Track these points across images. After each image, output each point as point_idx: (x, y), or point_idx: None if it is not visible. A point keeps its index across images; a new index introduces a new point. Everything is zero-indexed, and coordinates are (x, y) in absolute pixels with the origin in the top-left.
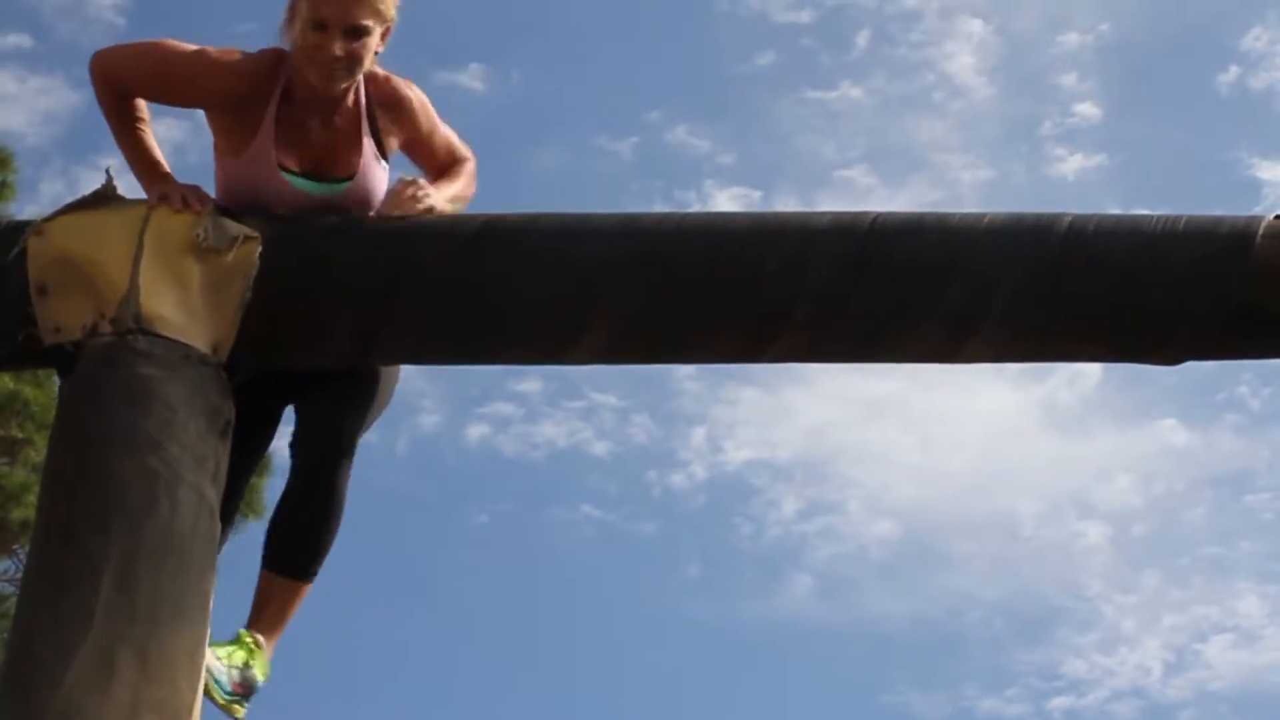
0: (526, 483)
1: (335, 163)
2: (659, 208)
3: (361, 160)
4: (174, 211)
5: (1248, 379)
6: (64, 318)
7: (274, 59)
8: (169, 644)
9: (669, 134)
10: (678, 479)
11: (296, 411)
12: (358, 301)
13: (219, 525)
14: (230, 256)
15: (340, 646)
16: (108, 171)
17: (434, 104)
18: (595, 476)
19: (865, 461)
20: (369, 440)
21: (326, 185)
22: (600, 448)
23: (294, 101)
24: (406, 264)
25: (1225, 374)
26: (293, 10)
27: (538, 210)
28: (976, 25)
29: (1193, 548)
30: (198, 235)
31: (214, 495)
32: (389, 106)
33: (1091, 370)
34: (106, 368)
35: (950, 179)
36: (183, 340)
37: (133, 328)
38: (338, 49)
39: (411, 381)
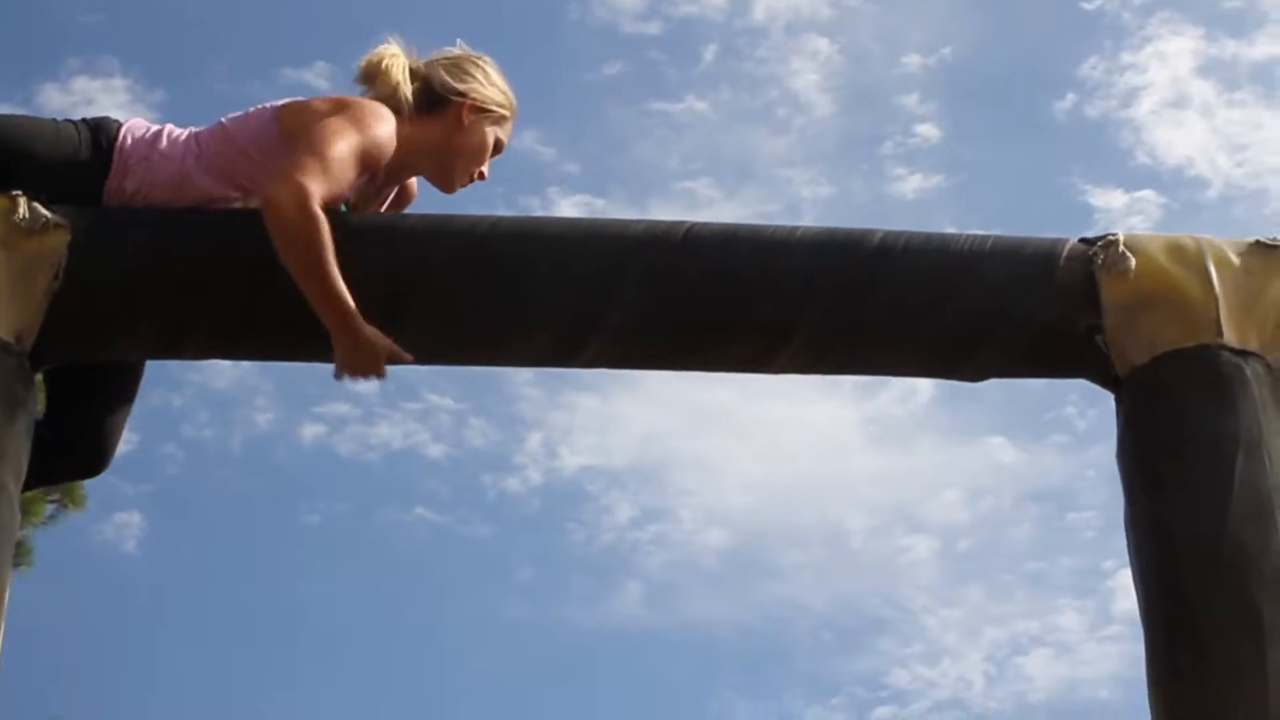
0: (361, 483)
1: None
2: (501, 213)
3: None
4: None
5: (1075, 400)
6: None
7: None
8: None
9: (514, 140)
10: (513, 483)
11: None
12: (169, 293)
13: (18, 514)
14: (38, 244)
15: (170, 644)
16: None
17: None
18: (430, 479)
19: (699, 470)
20: (203, 436)
21: None
22: (436, 450)
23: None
24: (222, 256)
25: (1053, 394)
26: (479, 112)
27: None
28: (822, 44)
29: (1016, 563)
30: (19, 217)
31: (13, 485)
32: (400, 203)
33: (923, 387)
34: None
35: (791, 194)
36: None
37: None
38: (486, 170)
39: (247, 379)
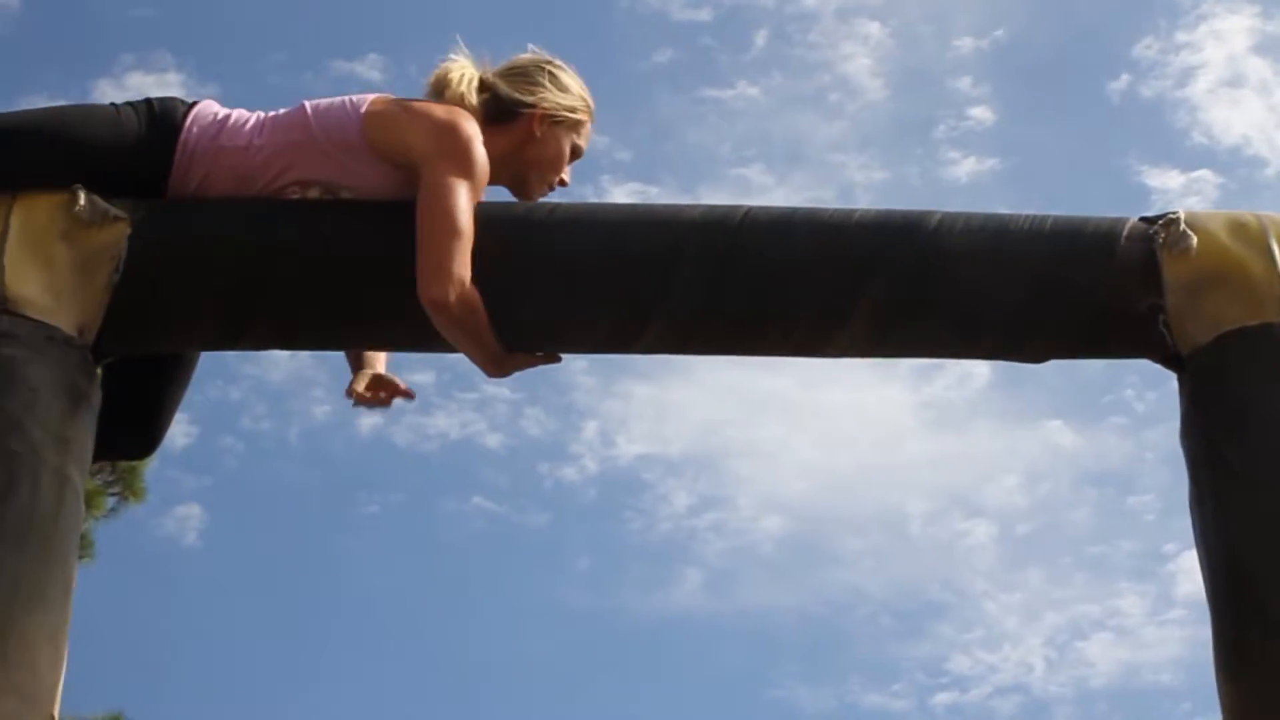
0: (418, 474)
1: None
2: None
3: None
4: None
5: (1133, 382)
6: None
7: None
8: (29, 627)
9: None
10: (569, 472)
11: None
12: (229, 285)
13: (83, 507)
14: (98, 238)
15: (231, 635)
16: None
17: (332, 93)
18: (487, 469)
19: (756, 457)
20: (261, 428)
21: None
22: (493, 440)
23: None
24: (281, 247)
25: (1112, 377)
26: (552, 121)
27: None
28: (873, 27)
29: (1076, 547)
30: (79, 209)
31: (78, 478)
32: None
33: (980, 371)
34: None
35: (844, 179)
36: (48, 322)
37: None
38: (567, 176)
39: (303, 370)
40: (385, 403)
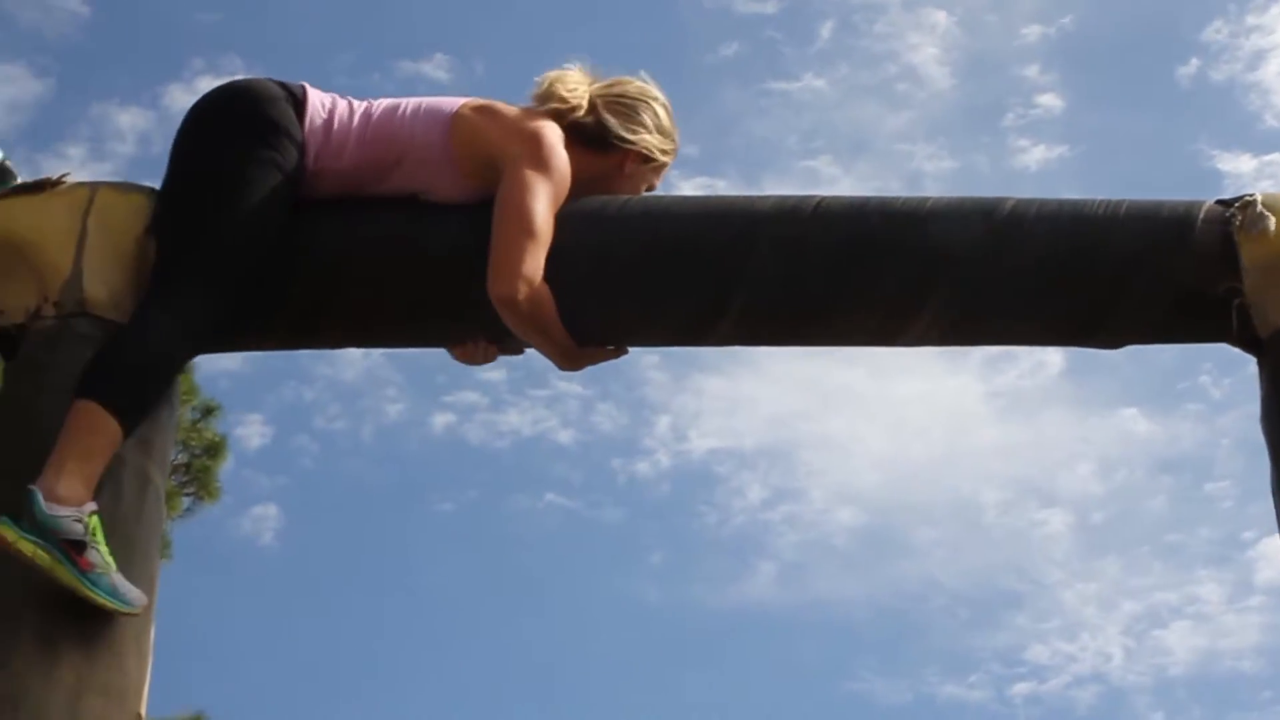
0: (491, 471)
1: None
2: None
3: None
4: None
5: (1209, 368)
6: (7, 300)
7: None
8: (115, 626)
9: None
10: (642, 467)
11: None
12: (302, 284)
13: (164, 508)
14: None
15: (304, 632)
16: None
17: (399, 94)
18: (560, 465)
19: (829, 449)
20: (335, 428)
21: None
22: (565, 436)
23: None
24: (355, 245)
25: (1187, 363)
26: (644, 161)
27: None
28: (940, 16)
29: (1152, 535)
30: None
31: (159, 478)
32: None
33: (1053, 360)
34: (49, 351)
35: (913, 168)
36: (125, 323)
37: (75, 311)
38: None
39: (376, 370)
40: (490, 358)
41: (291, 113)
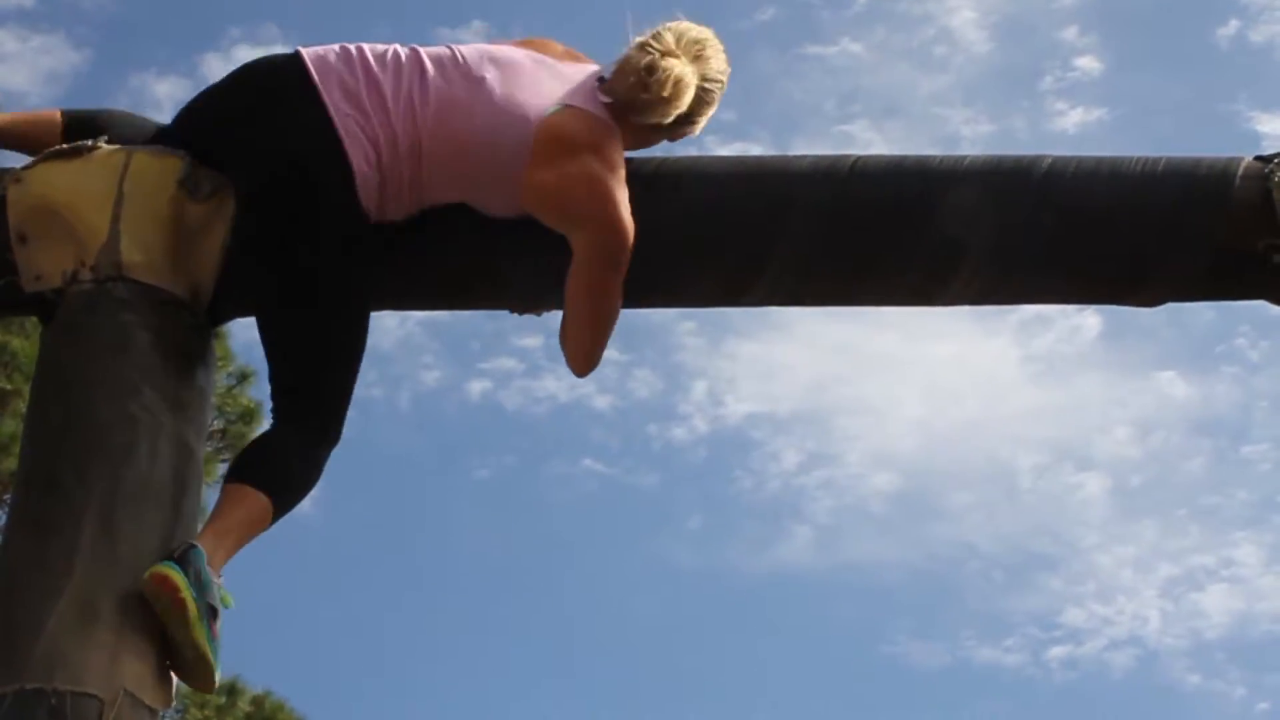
0: (528, 437)
1: None
2: (661, 155)
3: None
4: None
5: (1246, 330)
6: (44, 265)
7: None
8: None
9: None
10: (679, 432)
11: None
12: None
13: (201, 471)
14: (212, 203)
15: (343, 600)
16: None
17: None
18: (597, 430)
19: (865, 414)
20: (372, 395)
21: None
22: (602, 402)
23: None
24: None
25: (1224, 326)
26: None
27: None
28: None
29: (1189, 498)
30: (182, 184)
31: (195, 442)
32: None
33: (1091, 323)
34: (87, 315)
35: (950, 132)
36: (163, 286)
37: (113, 275)
38: None
39: (412, 338)
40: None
41: (351, 197)
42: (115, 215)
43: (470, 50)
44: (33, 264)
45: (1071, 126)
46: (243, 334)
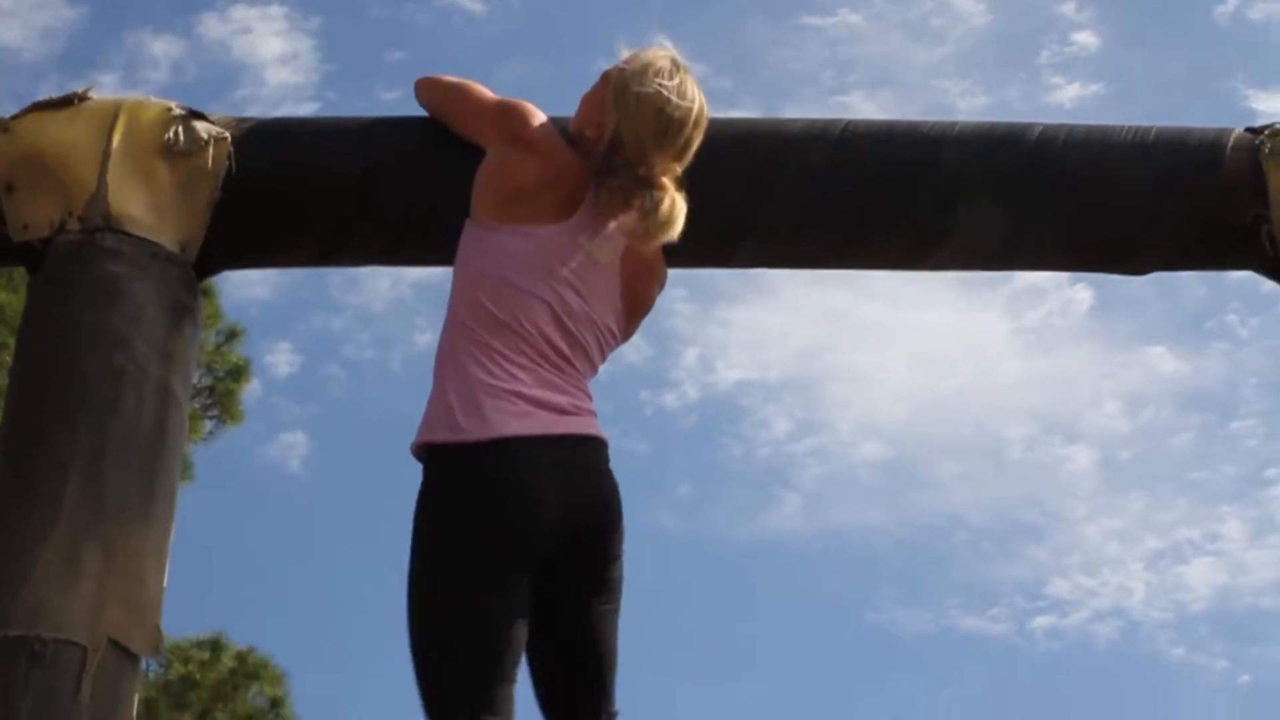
0: None
1: None
2: None
3: None
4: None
5: (1236, 307)
6: (32, 215)
7: None
8: (135, 539)
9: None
10: (670, 399)
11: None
12: (329, 202)
13: (186, 422)
14: (200, 156)
15: (329, 559)
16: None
17: (433, 28)
18: None
19: (855, 383)
20: (364, 357)
21: None
22: None
23: None
24: (380, 164)
25: (1214, 302)
26: None
27: None
28: None
29: (1177, 472)
30: (169, 139)
31: (182, 393)
32: None
33: (1082, 297)
34: (74, 265)
35: (947, 105)
36: (151, 239)
37: (101, 225)
38: None
39: (404, 299)
40: None
41: None
42: (104, 166)
43: None
44: (20, 214)
45: (1068, 101)
46: (233, 292)
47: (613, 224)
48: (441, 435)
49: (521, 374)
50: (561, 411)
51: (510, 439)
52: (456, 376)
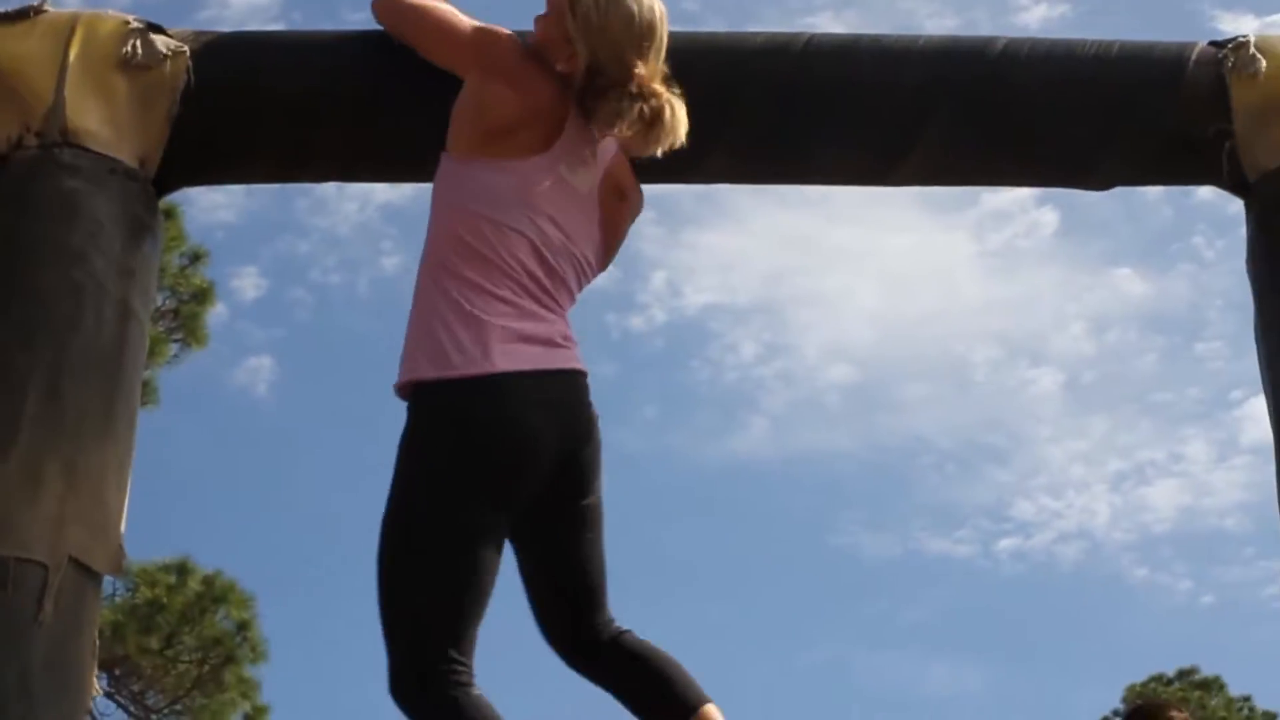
0: None
1: None
2: None
3: None
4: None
5: (1203, 229)
6: None
7: None
8: (95, 457)
9: None
10: (637, 322)
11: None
12: (288, 116)
13: (146, 338)
14: (158, 71)
15: (296, 482)
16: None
17: None
18: None
19: (823, 306)
20: (331, 281)
21: None
22: None
23: None
24: (339, 79)
25: (1180, 224)
26: None
27: None
28: None
29: (1141, 394)
30: (127, 52)
31: (141, 310)
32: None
33: (1049, 219)
34: (31, 181)
35: (914, 25)
36: (109, 154)
37: (58, 140)
38: None
39: (371, 223)
40: None
41: None
42: (60, 80)
43: None
44: None
45: (1034, 21)
46: (198, 216)
47: (590, 151)
48: (428, 372)
49: (505, 308)
50: (548, 344)
51: (500, 375)
52: (440, 312)
